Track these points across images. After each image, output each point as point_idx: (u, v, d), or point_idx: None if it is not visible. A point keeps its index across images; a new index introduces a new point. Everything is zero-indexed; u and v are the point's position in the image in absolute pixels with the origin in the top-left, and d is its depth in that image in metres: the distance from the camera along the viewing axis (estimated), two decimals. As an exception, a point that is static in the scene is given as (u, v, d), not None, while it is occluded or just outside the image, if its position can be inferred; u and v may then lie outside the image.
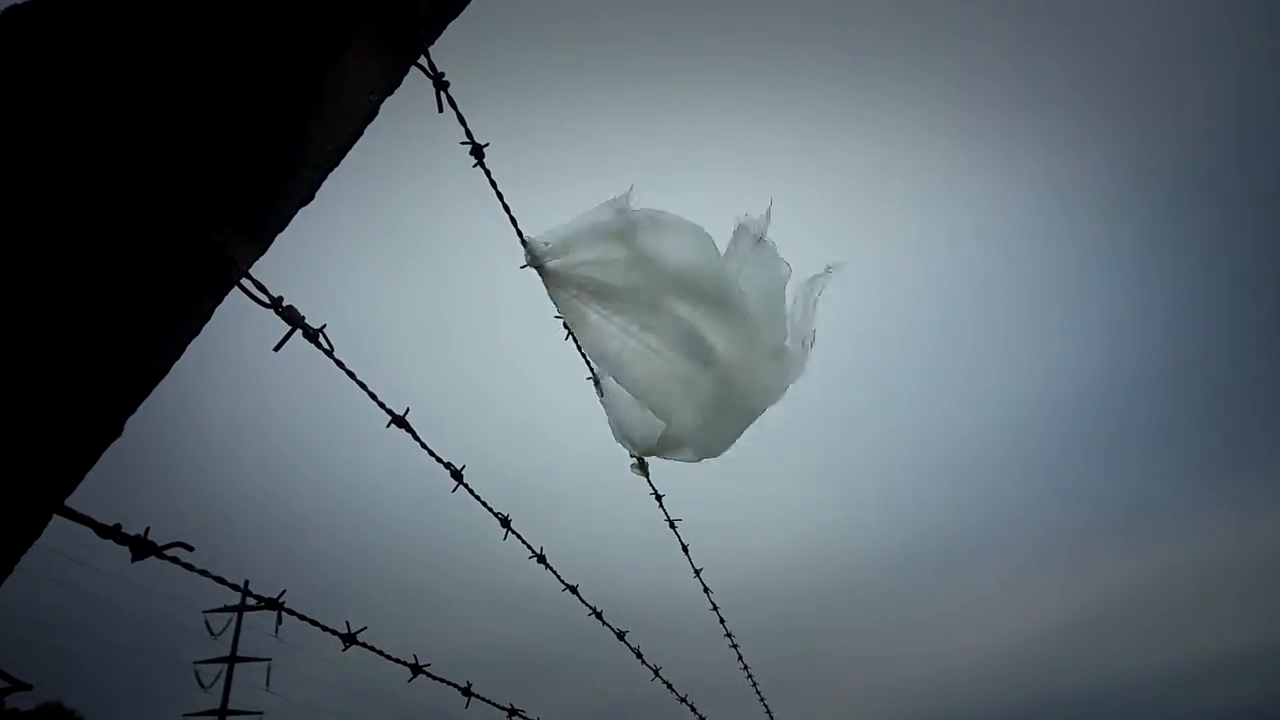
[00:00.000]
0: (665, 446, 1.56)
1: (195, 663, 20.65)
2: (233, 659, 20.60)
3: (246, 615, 20.72)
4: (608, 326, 1.39)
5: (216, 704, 20.26)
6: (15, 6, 0.73)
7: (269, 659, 21.15)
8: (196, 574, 0.95)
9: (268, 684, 21.10)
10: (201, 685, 20.38)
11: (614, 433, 1.63)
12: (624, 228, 1.34)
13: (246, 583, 1.20)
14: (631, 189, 1.36)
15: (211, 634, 20.61)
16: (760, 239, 1.51)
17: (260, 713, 21.01)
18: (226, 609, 20.55)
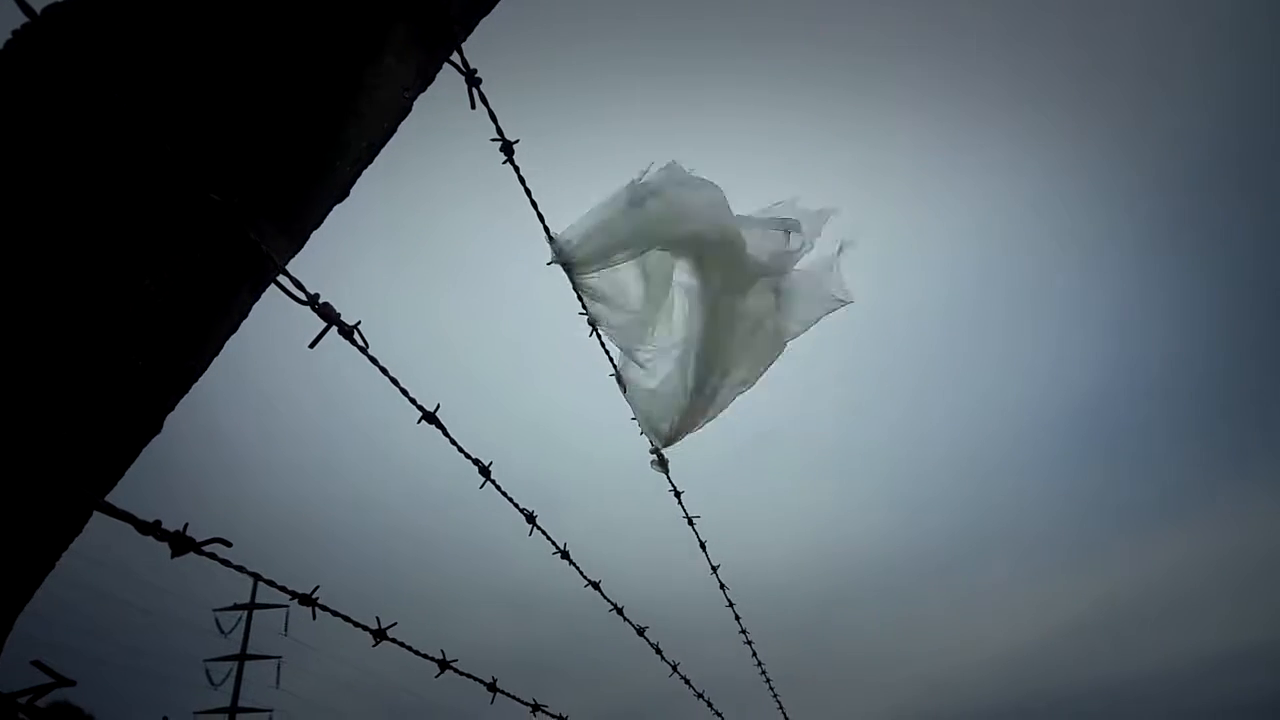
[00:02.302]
0: (697, 409, 1.56)
1: (205, 660, 20.74)
2: (243, 656, 20.67)
3: (256, 614, 20.80)
4: (634, 271, 1.42)
5: (226, 702, 20.35)
6: (57, 4, 0.73)
7: (279, 657, 21.23)
8: (213, 572, 0.95)
9: (278, 682, 21.18)
10: (211, 683, 20.47)
11: (640, 425, 1.63)
12: (638, 198, 1.35)
13: (256, 579, 1.19)
14: (651, 166, 1.36)
15: (222, 632, 20.69)
16: (800, 238, 1.52)
17: (270, 710, 21.10)
18: (237, 607, 20.63)
